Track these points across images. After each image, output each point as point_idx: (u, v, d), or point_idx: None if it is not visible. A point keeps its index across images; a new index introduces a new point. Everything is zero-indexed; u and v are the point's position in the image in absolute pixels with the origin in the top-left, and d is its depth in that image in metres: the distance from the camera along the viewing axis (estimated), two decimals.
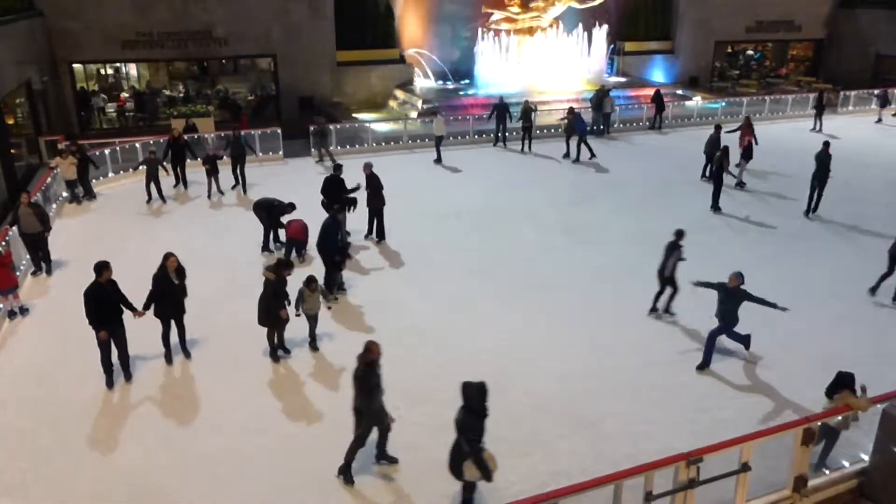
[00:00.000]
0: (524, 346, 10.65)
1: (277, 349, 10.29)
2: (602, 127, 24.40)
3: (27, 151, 20.46)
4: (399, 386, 8.70)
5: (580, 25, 29.80)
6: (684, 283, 11.32)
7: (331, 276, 12.04)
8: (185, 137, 18.62)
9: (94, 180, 17.85)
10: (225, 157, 17.84)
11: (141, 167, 17.29)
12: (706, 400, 9.39)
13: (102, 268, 9.21)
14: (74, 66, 24.52)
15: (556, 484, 6.76)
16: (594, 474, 6.58)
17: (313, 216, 13.92)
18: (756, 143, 18.76)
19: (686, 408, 9.20)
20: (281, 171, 20.00)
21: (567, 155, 21.25)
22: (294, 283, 10.21)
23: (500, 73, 28.37)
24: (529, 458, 8.12)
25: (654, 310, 11.72)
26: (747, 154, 18.39)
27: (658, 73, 33.23)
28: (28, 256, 13.14)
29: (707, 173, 18.76)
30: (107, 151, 18.96)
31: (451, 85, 29.90)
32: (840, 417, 7.53)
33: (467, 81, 29.68)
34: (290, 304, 10.10)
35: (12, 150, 18.52)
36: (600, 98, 24.27)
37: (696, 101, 27.68)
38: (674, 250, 11.35)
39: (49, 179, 16.31)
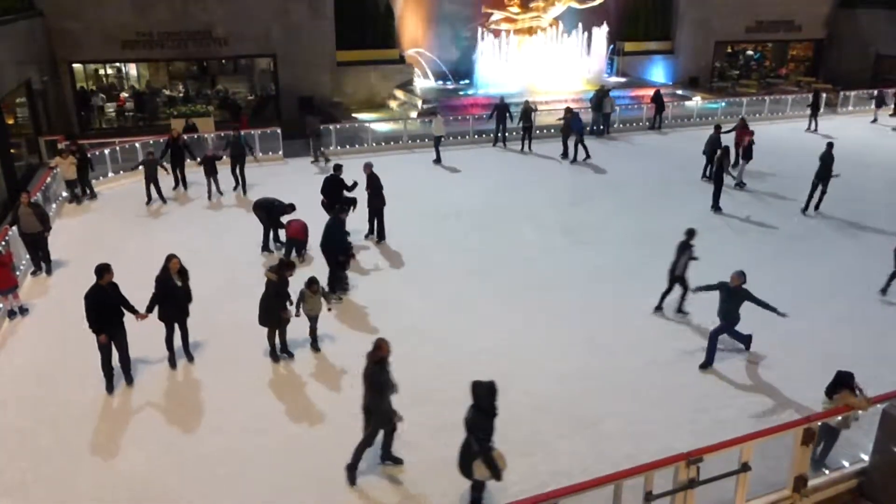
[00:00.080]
0: (524, 346, 10.65)
1: (281, 352, 10.26)
2: (602, 127, 24.41)
3: (27, 151, 20.45)
4: (399, 386, 8.67)
5: (580, 25, 29.80)
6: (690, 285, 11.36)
7: (335, 275, 12.04)
8: (185, 137, 18.62)
9: (93, 180, 17.85)
10: (225, 157, 17.81)
11: (139, 168, 17.22)
12: (706, 400, 9.39)
13: (103, 270, 9.09)
14: (74, 66, 24.53)
15: (556, 484, 6.76)
16: (594, 474, 6.58)
17: (313, 216, 13.94)
18: (753, 143, 18.77)
19: (686, 408, 9.20)
20: (281, 171, 19.99)
21: (566, 155, 21.25)
22: (295, 283, 10.19)
23: (500, 73, 28.36)
24: (529, 458, 8.11)
25: (659, 308, 11.72)
26: (747, 154, 18.40)
27: (658, 74, 33.24)
28: (28, 256, 13.14)
29: (707, 174, 18.78)
30: (106, 151, 18.96)
31: (450, 85, 29.91)
32: (840, 417, 7.53)
33: (467, 81, 29.69)
34: (291, 304, 10.10)
35: (12, 150, 18.51)
36: (600, 98, 24.27)
37: (696, 102, 27.69)
38: (685, 249, 11.35)
39: (49, 179, 16.31)
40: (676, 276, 11.42)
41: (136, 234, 15.25)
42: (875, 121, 27.13)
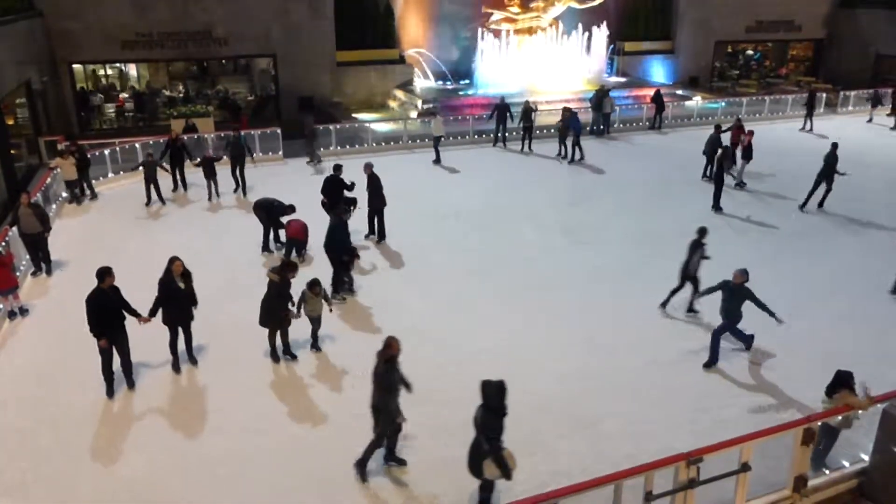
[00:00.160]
0: (524, 346, 10.65)
1: (284, 353, 10.25)
2: (602, 127, 24.41)
3: (27, 152, 20.46)
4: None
5: (580, 25, 29.80)
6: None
7: (338, 276, 12.05)
8: (185, 138, 18.60)
9: (94, 180, 17.84)
10: (225, 158, 17.79)
11: (139, 169, 17.16)
12: (706, 400, 9.39)
13: (105, 274, 8.98)
14: (74, 66, 24.53)
15: (556, 484, 6.75)
16: (594, 474, 6.57)
17: (313, 216, 13.94)
18: (742, 143, 18.81)
19: (686, 408, 9.20)
20: (281, 172, 19.99)
21: (564, 156, 21.20)
22: (297, 284, 10.19)
23: (500, 73, 28.36)
24: (529, 458, 8.10)
25: (664, 304, 11.72)
26: (747, 154, 18.39)
27: (658, 74, 33.25)
28: (28, 257, 13.13)
29: (708, 174, 18.78)
30: (106, 152, 18.95)
31: (450, 85, 29.90)
32: (840, 417, 7.53)
33: (467, 81, 29.69)
34: (293, 305, 10.09)
35: (12, 151, 18.51)
36: (600, 98, 24.27)
37: (696, 102, 27.68)
38: (697, 248, 11.35)
39: (49, 180, 16.30)
40: (688, 275, 11.40)
41: (136, 234, 15.26)
42: (870, 120, 27.14)
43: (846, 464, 7.77)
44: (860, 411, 7.48)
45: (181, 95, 27.25)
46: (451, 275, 13.20)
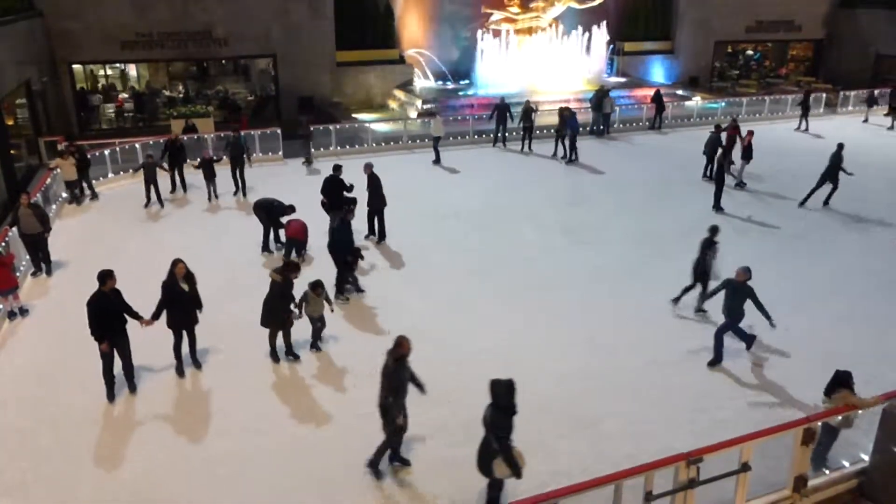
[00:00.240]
0: (524, 346, 10.65)
1: (287, 354, 10.23)
2: (602, 127, 24.40)
3: (27, 152, 20.46)
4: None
5: (580, 25, 29.79)
6: (692, 291, 11.38)
7: (342, 277, 12.05)
8: (184, 138, 18.56)
9: (94, 180, 17.85)
10: (225, 158, 17.77)
11: (140, 170, 17.06)
12: (706, 400, 9.39)
13: (106, 276, 8.89)
14: (74, 66, 24.53)
15: (556, 484, 6.75)
16: (594, 474, 6.58)
17: (313, 216, 13.95)
18: (740, 145, 18.83)
19: (686, 408, 9.20)
20: (280, 172, 19.99)
21: (564, 156, 21.16)
22: (299, 284, 10.18)
23: (500, 73, 28.36)
24: (529, 458, 8.04)
25: (677, 300, 11.73)
26: (747, 154, 18.40)
27: (658, 74, 33.25)
28: (28, 257, 13.14)
29: (708, 174, 18.78)
30: (106, 152, 18.95)
31: (450, 85, 29.89)
32: (840, 417, 7.53)
33: (467, 81, 29.68)
34: (295, 305, 10.09)
35: (12, 151, 18.51)
36: (600, 98, 24.27)
37: (696, 102, 27.68)
38: (710, 247, 11.36)
39: (49, 180, 16.31)
40: (701, 273, 11.40)
41: (135, 234, 15.26)
42: (866, 120, 27.16)
43: (846, 464, 7.77)
44: (860, 411, 7.49)
45: (181, 96, 27.24)
46: (451, 275, 13.20)
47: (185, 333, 9.79)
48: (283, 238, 13.90)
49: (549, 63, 28.97)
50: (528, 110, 21.99)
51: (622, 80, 31.44)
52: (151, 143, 19.22)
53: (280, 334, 10.16)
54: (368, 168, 14.47)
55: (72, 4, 23.16)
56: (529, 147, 22.23)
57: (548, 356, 10.38)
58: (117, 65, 26.66)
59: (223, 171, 17.55)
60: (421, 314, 11.58)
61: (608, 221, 16.16)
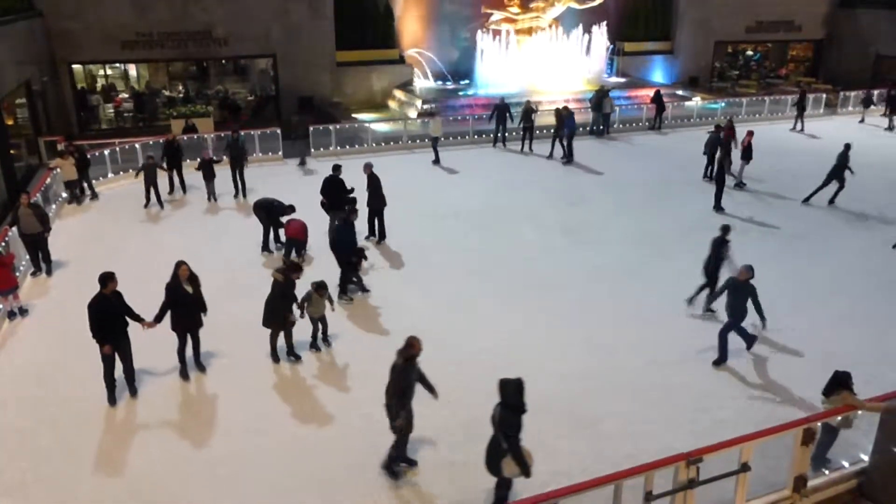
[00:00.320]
0: (524, 346, 10.65)
1: (288, 355, 10.22)
2: (602, 127, 24.41)
3: (27, 152, 20.46)
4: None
5: (580, 25, 29.80)
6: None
7: (346, 277, 12.05)
8: (184, 138, 18.53)
9: (94, 180, 17.84)
10: (225, 159, 17.74)
11: (140, 173, 16.93)
12: (706, 400, 9.39)
13: (107, 279, 8.81)
14: (74, 66, 24.52)
15: (556, 484, 6.75)
16: (594, 474, 6.57)
17: (313, 216, 13.94)
18: (735, 146, 18.84)
19: (686, 408, 9.20)
20: (280, 172, 19.99)
21: (563, 157, 21.13)
22: (301, 284, 10.18)
23: (500, 73, 28.36)
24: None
25: (691, 300, 11.74)
26: (747, 154, 18.40)
27: (658, 74, 33.26)
28: (28, 257, 13.13)
29: (709, 174, 18.78)
30: (106, 152, 18.95)
31: (450, 85, 29.89)
32: (840, 417, 7.53)
33: (467, 81, 29.68)
34: (298, 306, 10.08)
35: (12, 151, 18.51)
36: (600, 98, 24.27)
37: (696, 102, 27.68)
38: (721, 246, 11.37)
39: (49, 180, 16.31)
40: (712, 272, 11.41)
41: (135, 234, 15.26)
42: (862, 121, 27.17)
43: (846, 464, 7.77)
44: (859, 412, 7.49)
45: (181, 95, 27.24)
46: (451, 275, 13.20)
47: (188, 336, 9.71)
48: (283, 238, 13.90)
49: (549, 63, 28.97)
50: (529, 110, 21.98)
51: (622, 80, 31.44)
52: (151, 143, 19.21)
53: (281, 334, 10.15)
54: (368, 168, 14.47)
55: (72, 4, 23.17)
56: (530, 147, 22.22)
57: (548, 356, 10.38)
58: (118, 65, 26.63)
59: (223, 172, 17.53)
60: (421, 314, 11.57)
61: (608, 221, 16.16)
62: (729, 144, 18.61)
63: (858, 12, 33.92)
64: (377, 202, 14.45)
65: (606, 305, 12.09)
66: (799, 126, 25.47)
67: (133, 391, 9.39)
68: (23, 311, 11.60)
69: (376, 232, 14.72)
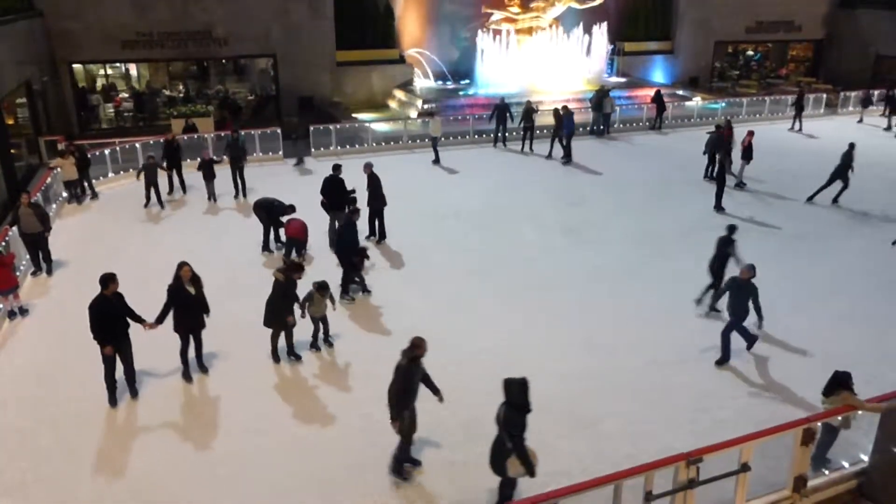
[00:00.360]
0: (524, 346, 10.65)
1: (289, 355, 10.22)
2: (602, 127, 24.41)
3: (27, 152, 20.46)
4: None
5: (580, 25, 29.81)
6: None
7: (348, 276, 12.06)
8: (184, 138, 18.50)
9: (94, 180, 17.85)
10: (225, 159, 17.73)
11: (141, 174, 16.83)
12: (706, 400, 9.39)
13: (108, 280, 8.76)
14: (74, 66, 24.53)
15: (556, 484, 6.75)
16: (594, 474, 6.57)
17: (313, 216, 13.94)
18: (733, 146, 18.85)
19: (686, 408, 9.20)
20: (280, 171, 19.99)
21: (563, 157, 21.12)
22: (304, 284, 10.17)
23: (500, 73, 28.37)
24: None
25: (699, 301, 11.77)
26: (747, 154, 18.41)
27: (658, 74, 33.26)
28: (28, 256, 13.13)
29: (710, 174, 18.77)
30: (107, 152, 18.95)
31: (450, 85, 29.90)
32: (840, 417, 7.53)
33: (467, 81, 29.68)
34: (299, 305, 10.09)
35: (12, 151, 18.51)
36: (600, 98, 24.27)
37: (696, 102, 27.69)
38: (727, 245, 11.38)
39: (49, 180, 16.31)
40: (717, 271, 11.43)
41: (136, 234, 15.26)
42: (861, 121, 27.17)
43: (846, 464, 7.77)
44: (859, 412, 7.49)
45: (181, 95, 27.25)
46: (451, 275, 13.20)
47: (191, 338, 9.67)
48: (283, 238, 13.90)
49: (549, 63, 28.98)
50: (530, 110, 21.97)
51: (622, 80, 31.45)
52: (151, 142, 19.21)
53: (282, 334, 10.14)
54: (368, 168, 14.46)
55: (72, 4, 23.17)
56: (530, 147, 22.22)
57: (548, 356, 10.37)
58: (118, 64, 26.63)
59: (223, 172, 17.51)
60: (421, 314, 11.56)
61: (608, 221, 16.16)
62: (728, 144, 18.63)
63: (858, 12, 33.93)
64: (377, 202, 14.45)
65: (606, 305, 12.09)
66: (797, 126, 25.48)
67: (134, 392, 9.35)
68: (23, 311, 11.60)
69: (376, 232, 14.72)
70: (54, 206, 16.23)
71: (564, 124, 20.78)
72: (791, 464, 7.19)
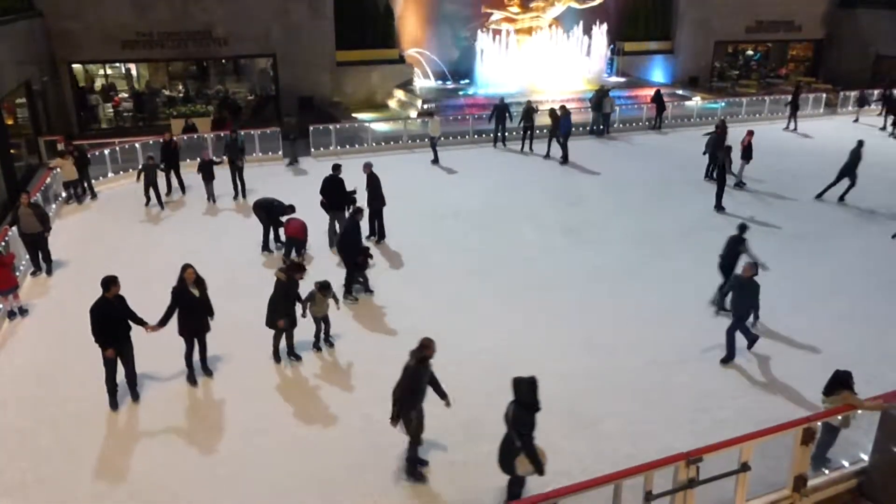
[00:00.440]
0: (524, 346, 10.65)
1: (289, 355, 10.21)
2: (602, 127, 24.41)
3: (27, 152, 20.46)
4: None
5: (580, 25, 29.81)
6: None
7: (351, 276, 12.06)
8: (184, 138, 18.48)
9: (94, 180, 17.84)
10: (226, 159, 17.69)
11: (141, 175, 16.80)
12: (706, 400, 9.39)
13: (110, 283, 8.67)
14: (74, 66, 24.52)
15: (556, 484, 6.75)
16: (594, 474, 6.57)
17: (313, 216, 13.94)
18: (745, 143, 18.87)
19: (686, 408, 9.20)
20: (280, 172, 19.99)
21: (565, 159, 21.10)
22: (305, 284, 10.18)
23: (500, 73, 28.37)
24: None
25: (714, 301, 11.76)
26: (747, 154, 18.41)
27: (658, 73, 33.26)
28: (28, 257, 13.13)
29: (710, 174, 18.77)
30: (106, 152, 18.94)
31: (450, 85, 29.90)
32: (840, 417, 7.53)
33: (467, 81, 29.69)
34: (301, 303, 10.08)
35: (12, 151, 18.51)
36: (600, 98, 24.27)
37: (696, 102, 27.68)
38: (737, 244, 11.38)
39: (49, 180, 16.31)
40: (727, 270, 11.42)
41: (135, 234, 15.26)
42: (856, 120, 27.18)
43: (846, 464, 7.78)
44: (859, 411, 7.49)
45: (181, 95, 27.24)
46: (451, 275, 13.20)
47: (195, 341, 9.61)
48: (283, 237, 13.89)
49: (549, 63, 28.97)
50: (530, 110, 21.97)
51: (622, 79, 31.45)
52: (151, 142, 19.20)
53: (283, 335, 10.12)
54: (368, 167, 14.46)
55: (72, 4, 23.15)
56: (530, 147, 22.21)
57: (548, 356, 10.37)
58: (118, 64, 26.62)
59: (223, 173, 17.46)
60: (421, 314, 11.56)
61: (608, 221, 16.15)
62: (723, 142, 18.62)
63: (858, 12, 33.93)
64: (377, 202, 14.45)
65: (606, 305, 12.08)
66: (792, 125, 25.49)
67: (135, 396, 9.27)
68: (23, 311, 11.60)
69: (376, 232, 14.71)
70: (54, 206, 16.22)
71: (561, 124, 20.78)
72: (791, 463, 7.20)
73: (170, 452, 8.36)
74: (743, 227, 11.60)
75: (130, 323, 9.02)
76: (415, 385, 7.42)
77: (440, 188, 18.66)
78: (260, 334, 10.17)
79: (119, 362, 8.98)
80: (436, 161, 20.72)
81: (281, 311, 9.78)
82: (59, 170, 16.75)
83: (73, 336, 10.16)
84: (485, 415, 8.54)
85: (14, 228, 12.85)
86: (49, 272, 13.17)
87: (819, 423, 7.22)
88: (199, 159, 17.21)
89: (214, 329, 10.51)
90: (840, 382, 7.61)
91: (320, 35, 26.33)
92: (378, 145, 22.22)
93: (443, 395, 7.74)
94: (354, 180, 14.50)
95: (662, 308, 11.87)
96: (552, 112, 21.20)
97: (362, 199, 14.37)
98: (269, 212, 13.80)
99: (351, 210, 13.81)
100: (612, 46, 31.86)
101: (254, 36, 25.54)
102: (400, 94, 28.12)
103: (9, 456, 8.23)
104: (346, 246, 12.07)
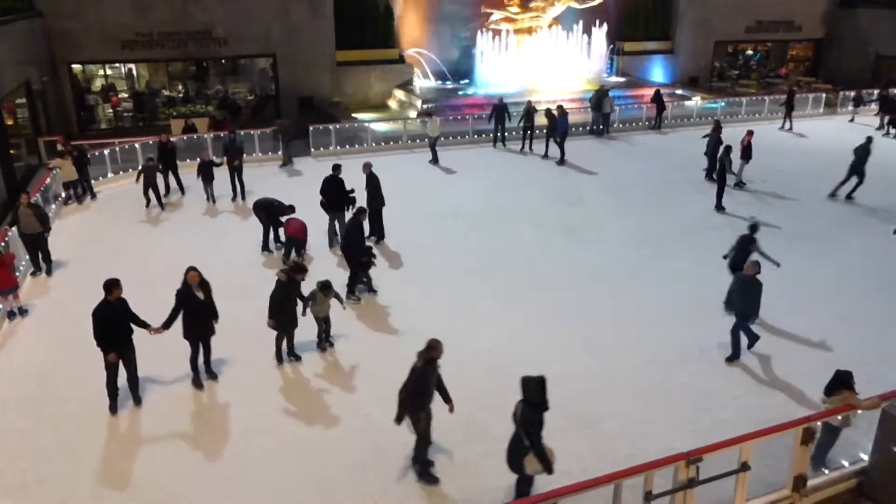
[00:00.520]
0: (524, 346, 10.65)
1: (289, 355, 10.21)
2: (602, 127, 24.40)
3: (26, 152, 20.46)
4: (399, 386, 8.66)
5: (580, 25, 29.80)
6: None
7: (355, 276, 12.06)
8: (183, 138, 18.46)
9: (93, 180, 17.84)
10: (225, 160, 17.68)
11: (140, 176, 16.76)
12: (706, 400, 9.39)
13: (112, 286, 8.58)
14: (74, 66, 24.52)
15: (557, 484, 6.75)
16: (594, 474, 6.57)
17: (313, 216, 13.94)
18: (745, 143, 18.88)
19: (686, 408, 9.20)
20: (280, 171, 19.99)
21: (562, 159, 21.08)
22: (304, 286, 10.18)
23: (500, 72, 28.37)
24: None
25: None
26: (746, 154, 18.41)
27: (658, 73, 33.26)
28: (28, 257, 13.13)
29: (711, 175, 18.76)
30: (106, 152, 18.94)
31: (450, 85, 29.90)
32: (840, 417, 7.53)
33: (467, 81, 29.68)
34: (302, 301, 10.08)
35: (12, 151, 18.50)
36: (599, 98, 24.26)
37: (696, 102, 27.68)
38: (752, 243, 11.38)
39: (48, 180, 16.31)
40: (738, 269, 11.39)
41: (135, 235, 15.25)
42: (853, 120, 27.19)
43: (846, 463, 7.78)
44: (859, 411, 7.49)
45: (181, 95, 27.23)
46: (451, 275, 13.20)
47: (200, 344, 9.54)
48: (282, 238, 13.89)
49: (548, 63, 28.97)
50: (530, 110, 21.97)
51: (622, 79, 31.45)
52: (151, 143, 19.19)
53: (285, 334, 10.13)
54: (367, 167, 14.46)
55: (72, 4, 23.16)
56: (530, 147, 22.21)
57: (547, 356, 10.35)
58: (118, 64, 26.60)
59: (222, 174, 17.39)
60: (421, 314, 11.56)
61: (608, 221, 16.15)
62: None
63: (858, 12, 33.93)
64: (376, 202, 14.44)
65: (606, 305, 12.08)
66: (787, 125, 25.49)
67: (137, 400, 9.20)
68: (23, 311, 11.60)
69: (375, 232, 14.71)
70: (54, 206, 16.22)
71: (558, 124, 20.77)
72: (791, 463, 7.20)
73: (170, 453, 8.36)
74: (754, 227, 11.63)
75: (133, 326, 8.94)
76: (421, 387, 7.39)
77: (440, 188, 18.66)
78: (260, 335, 10.17)
79: (121, 366, 8.90)
80: (434, 161, 20.71)
81: (276, 311, 9.75)
82: (58, 170, 16.75)
83: (73, 336, 10.16)
84: (485, 415, 8.56)
85: (14, 229, 12.85)
86: (49, 272, 13.17)
87: (819, 423, 7.22)
88: (198, 160, 17.18)
89: (215, 329, 10.54)
90: (841, 382, 7.62)
91: (320, 35, 26.33)
92: (378, 145, 22.23)
93: (447, 399, 7.71)
94: (354, 180, 14.49)
95: (662, 308, 11.87)
96: (548, 112, 21.20)
97: (361, 199, 14.37)
98: (269, 212, 13.80)
99: (352, 210, 13.83)
100: (611, 46, 31.86)
101: (254, 36, 25.54)
102: (400, 94, 28.12)
103: (9, 456, 8.23)
104: (350, 246, 12.07)
